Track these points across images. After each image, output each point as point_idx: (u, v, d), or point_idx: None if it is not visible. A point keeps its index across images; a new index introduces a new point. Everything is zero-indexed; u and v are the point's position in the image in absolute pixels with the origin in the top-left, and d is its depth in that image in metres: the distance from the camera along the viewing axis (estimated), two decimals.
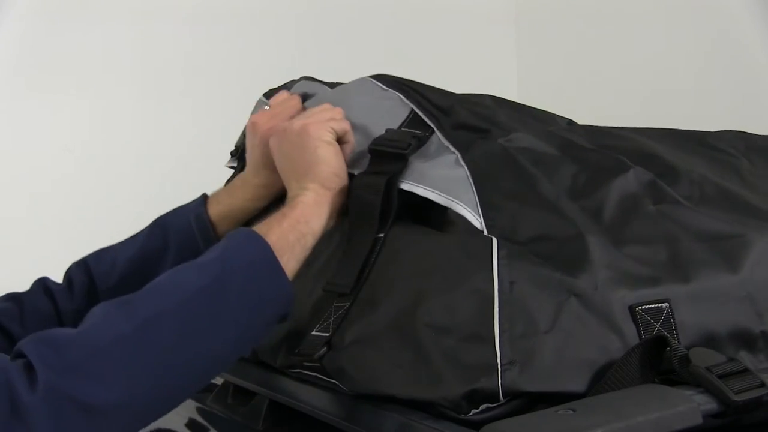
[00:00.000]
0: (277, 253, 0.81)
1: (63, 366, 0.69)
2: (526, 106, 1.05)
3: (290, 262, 0.83)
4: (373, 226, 0.87)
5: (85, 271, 1.01)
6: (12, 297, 0.97)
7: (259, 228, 0.84)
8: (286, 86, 1.15)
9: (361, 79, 1.00)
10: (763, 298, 0.83)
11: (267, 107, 1.07)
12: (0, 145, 1.68)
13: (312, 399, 0.88)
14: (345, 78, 1.08)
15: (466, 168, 0.84)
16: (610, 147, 0.95)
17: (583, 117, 1.14)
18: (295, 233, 0.85)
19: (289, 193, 0.91)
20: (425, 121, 0.89)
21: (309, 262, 0.98)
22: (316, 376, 0.88)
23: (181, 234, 1.01)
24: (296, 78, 1.15)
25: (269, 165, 0.98)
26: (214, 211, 1.02)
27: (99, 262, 1.01)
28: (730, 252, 0.84)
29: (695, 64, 1.76)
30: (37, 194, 1.71)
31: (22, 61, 1.69)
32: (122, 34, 1.77)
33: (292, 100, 1.05)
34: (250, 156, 1.03)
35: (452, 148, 0.86)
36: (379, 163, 0.89)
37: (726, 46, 1.70)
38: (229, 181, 1.15)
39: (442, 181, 0.84)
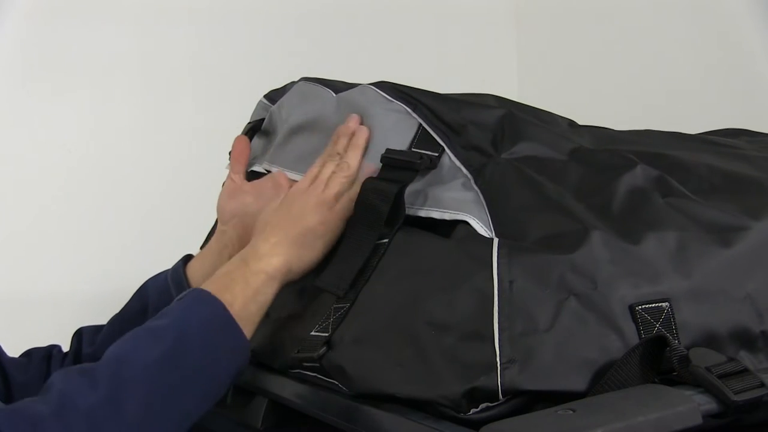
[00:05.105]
0: (232, 310, 0.82)
1: None
2: (529, 106, 1.05)
3: (247, 310, 0.84)
4: (376, 231, 0.87)
5: (78, 338, 1.03)
6: (28, 353, 1.01)
7: (213, 286, 0.84)
8: (286, 88, 1.15)
9: (363, 88, 0.97)
10: (763, 297, 0.83)
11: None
12: (0, 146, 1.68)
13: (312, 399, 0.88)
14: (345, 77, 1.08)
15: (479, 191, 0.84)
16: (615, 149, 0.95)
17: (583, 117, 1.14)
18: (250, 289, 0.86)
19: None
20: (435, 140, 0.89)
21: None
22: (315, 376, 0.88)
23: (159, 293, 1.01)
24: (296, 80, 1.14)
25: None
26: (190, 266, 1.03)
27: (90, 329, 1.04)
28: (732, 241, 0.84)
29: (696, 64, 1.76)
30: (38, 195, 1.70)
31: (22, 62, 1.69)
32: (123, 34, 1.77)
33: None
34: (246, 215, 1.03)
35: (464, 170, 0.86)
36: (391, 171, 0.89)
37: (727, 46, 1.70)
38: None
39: (457, 202, 0.84)
